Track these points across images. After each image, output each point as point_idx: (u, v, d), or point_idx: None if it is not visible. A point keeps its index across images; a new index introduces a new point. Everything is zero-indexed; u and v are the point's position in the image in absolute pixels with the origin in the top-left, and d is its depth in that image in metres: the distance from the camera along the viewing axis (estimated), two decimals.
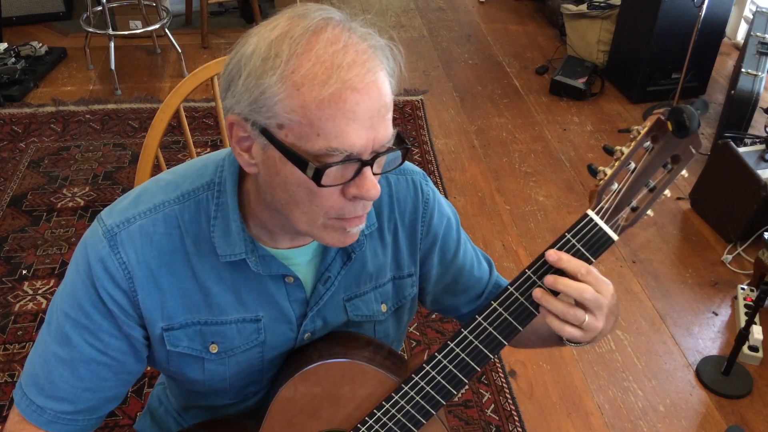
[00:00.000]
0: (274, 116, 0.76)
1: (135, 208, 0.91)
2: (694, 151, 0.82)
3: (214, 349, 0.95)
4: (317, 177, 0.76)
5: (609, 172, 0.82)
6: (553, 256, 0.84)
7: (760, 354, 2.19)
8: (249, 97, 0.77)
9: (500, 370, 2.16)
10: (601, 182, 0.83)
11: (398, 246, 1.04)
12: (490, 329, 0.89)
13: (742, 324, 2.11)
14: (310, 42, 0.75)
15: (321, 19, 0.77)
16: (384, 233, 1.01)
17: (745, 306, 2.32)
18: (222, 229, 0.90)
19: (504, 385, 2.11)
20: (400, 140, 0.82)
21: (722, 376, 2.14)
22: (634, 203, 0.84)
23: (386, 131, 0.79)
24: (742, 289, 2.40)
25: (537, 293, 0.86)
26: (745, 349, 2.18)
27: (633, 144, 0.81)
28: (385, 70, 0.79)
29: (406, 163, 1.03)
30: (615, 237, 0.84)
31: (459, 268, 1.11)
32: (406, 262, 1.05)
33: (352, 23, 0.79)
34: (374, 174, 0.80)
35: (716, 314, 2.40)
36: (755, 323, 2.14)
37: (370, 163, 0.78)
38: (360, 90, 0.74)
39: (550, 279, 0.85)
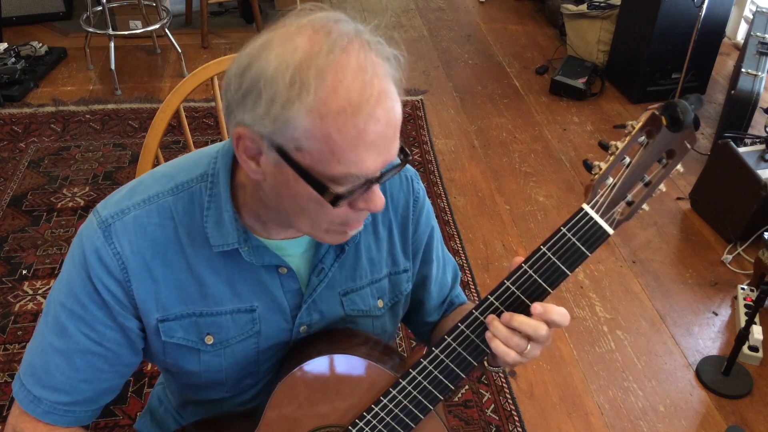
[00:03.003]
0: (294, 140, 0.76)
1: (129, 200, 0.92)
2: (688, 145, 0.82)
3: (209, 340, 0.96)
4: (335, 202, 0.78)
5: (604, 166, 0.83)
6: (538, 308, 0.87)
7: (760, 354, 2.19)
8: (272, 123, 0.76)
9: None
10: (596, 176, 0.83)
11: (393, 241, 1.05)
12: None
13: (742, 324, 2.11)
14: (338, 74, 0.74)
15: (343, 39, 0.75)
16: (378, 227, 1.03)
17: (745, 306, 2.32)
18: (215, 220, 0.91)
19: (504, 385, 2.11)
20: (402, 151, 0.84)
21: (722, 376, 2.14)
22: (629, 197, 0.85)
23: (396, 149, 0.81)
24: (742, 289, 2.40)
25: (488, 319, 0.88)
26: (745, 349, 2.17)
27: (628, 139, 0.81)
28: (396, 88, 0.80)
29: None
30: (610, 231, 0.84)
31: (424, 282, 1.14)
32: (401, 258, 1.07)
33: (364, 35, 0.78)
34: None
35: (716, 314, 2.40)
36: (755, 323, 2.14)
37: (379, 180, 0.81)
38: (382, 121, 0.76)
39: (506, 316, 0.87)
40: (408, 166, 1.07)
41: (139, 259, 0.89)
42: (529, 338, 0.88)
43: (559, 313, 0.87)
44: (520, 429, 1.99)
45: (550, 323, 0.87)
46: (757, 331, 2.20)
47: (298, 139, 0.75)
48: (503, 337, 0.87)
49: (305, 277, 0.99)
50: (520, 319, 0.86)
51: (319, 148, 0.75)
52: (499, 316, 0.88)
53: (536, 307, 0.86)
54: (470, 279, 2.50)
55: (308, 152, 0.76)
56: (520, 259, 0.88)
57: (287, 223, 0.88)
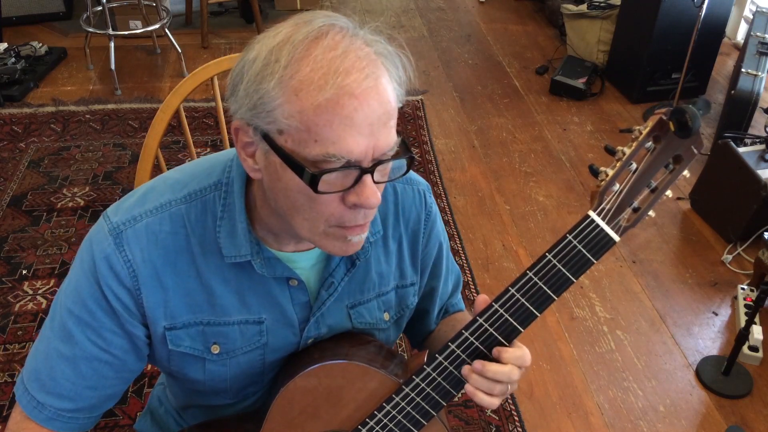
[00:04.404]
0: (274, 121, 0.76)
1: (142, 206, 0.91)
2: (696, 151, 0.82)
3: (215, 349, 0.95)
4: (314, 183, 0.76)
5: (611, 172, 0.82)
6: (478, 366, 0.90)
7: (760, 354, 2.19)
8: (249, 102, 0.77)
9: None
10: (603, 183, 0.82)
11: (402, 255, 1.04)
12: (491, 330, 0.89)
13: (742, 324, 2.11)
14: (310, 48, 0.75)
15: (324, 24, 0.77)
16: (388, 241, 1.02)
17: (745, 306, 2.32)
18: (228, 230, 0.90)
19: None
20: (405, 148, 0.81)
21: (722, 376, 2.14)
22: (635, 204, 0.84)
23: (387, 139, 0.78)
24: (742, 289, 2.40)
25: (465, 370, 0.91)
26: (745, 349, 2.18)
27: (635, 144, 0.81)
28: (389, 77, 0.78)
29: (413, 173, 1.03)
30: (616, 238, 0.84)
31: (431, 294, 1.15)
32: (408, 272, 1.06)
33: (360, 30, 0.79)
34: (376, 182, 0.79)
35: (716, 314, 2.40)
36: (755, 323, 2.14)
37: (370, 170, 0.78)
38: (358, 96, 0.74)
39: (478, 365, 0.90)
40: (421, 179, 1.07)
41: (149, 267, 0.89)
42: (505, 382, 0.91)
43: (515, 356, 0.90)
44: (520, 429, 1.99)
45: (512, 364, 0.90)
46: (757, 331, 2.21)
47: (277, 119, 0.75)
48: (486, 389, 0.90)
49: (314, 291, 0.98)
50: (493, 369, 0.89)
51: (296, 126, 0.74)
52: (500, 321, 0.88)
53: (494, 353, 0.89)
54: (470, 279, 2.50)
55: (289, 134, 0.75)
56: (484, 297, 0.90)
57: (291, 228, 0.86)
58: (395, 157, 0.80)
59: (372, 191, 0.78)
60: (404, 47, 0.82)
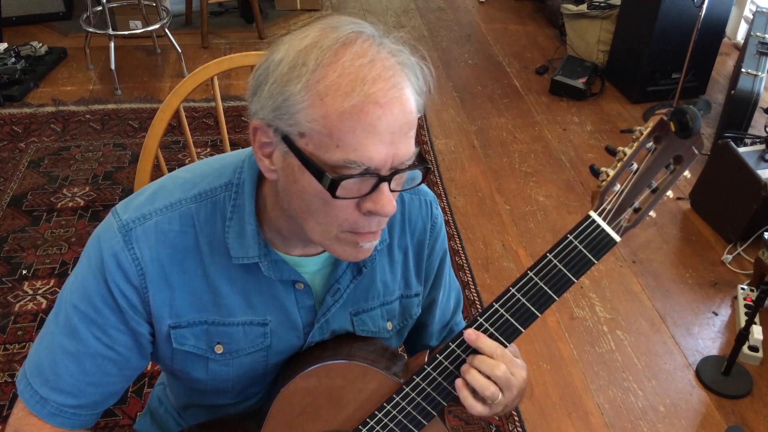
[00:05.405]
0: (297, 124, 0.76)
1: (151, 205, 0.91)
2: (696, 151, 0.82)
3: (219, 349, 0.96)
4: (332, 188, 0.76)
5: (611, 173, 0.82)
6: (472, 335, 0.88)
7: (760, 354, 2.19)
8: (273, 103, 0.77)
9: None
10: (604, 183, 0.82)
11: (407, 265, 1.05)
12: (492, 330, 0.89)
13: (742, 324, 2.11)
14: (338, 53, 0.75)
15: (352, 32, 0.77)
16: (394, 250, 1.02)
17: (745, 306, 2.32)
18: (237, 231, 0.90)
19: None
20: (421, 159, 0.82)
21: (722, 376, 2.14)
22: (636, 204, 0.84)
23: (407, 148, 0.79)
24: (742, 289, 2.40)
25: (464, 367, 0.90)
26: (745, 349, 2.18)
27: (635, 145, 0.81)
28: (412, 88, 0.79)
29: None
30: (617, 238, 0.84)
31: (430, 306, 1.15)
32: (413, 282, 1.07)
33: (384, 39, 0.80)
34: (392, 191, 0.80)
35: (716, 314, 2.40)
36: (755, 323, 2.14)
37: (388, 179, 0.78)
38: (383, 105, 0.75)
39: (475, 359, 0.88)
40: (429, 190, 1.07)
41: (157, 265, 0.89)
42: (500, 384, 0.89)
43: (489, 345, 0.88)
44: (520, 429, 1.99)
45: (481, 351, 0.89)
46: (757, 331, 2.21)
47: (300, 122, 0.76)
48: (480, 386, 0.88)
49: (319, 296, 0.98)
50: (479, 358, 0.88)
51: (318, 130, 0.75)
52: (501, 321, 0.88)
53: (470, 333, 0.88)
54: (470, 279, 2.50)
55: (310, 138, 0.76)
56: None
57: (302, 232, 0.86)
58: (412, 167, 0.81)
59: (388, 199, 0.79)
60: (426, 58, 0.83)
